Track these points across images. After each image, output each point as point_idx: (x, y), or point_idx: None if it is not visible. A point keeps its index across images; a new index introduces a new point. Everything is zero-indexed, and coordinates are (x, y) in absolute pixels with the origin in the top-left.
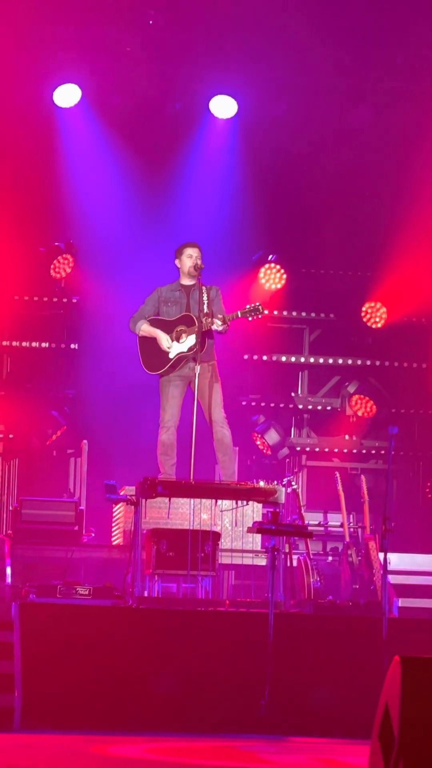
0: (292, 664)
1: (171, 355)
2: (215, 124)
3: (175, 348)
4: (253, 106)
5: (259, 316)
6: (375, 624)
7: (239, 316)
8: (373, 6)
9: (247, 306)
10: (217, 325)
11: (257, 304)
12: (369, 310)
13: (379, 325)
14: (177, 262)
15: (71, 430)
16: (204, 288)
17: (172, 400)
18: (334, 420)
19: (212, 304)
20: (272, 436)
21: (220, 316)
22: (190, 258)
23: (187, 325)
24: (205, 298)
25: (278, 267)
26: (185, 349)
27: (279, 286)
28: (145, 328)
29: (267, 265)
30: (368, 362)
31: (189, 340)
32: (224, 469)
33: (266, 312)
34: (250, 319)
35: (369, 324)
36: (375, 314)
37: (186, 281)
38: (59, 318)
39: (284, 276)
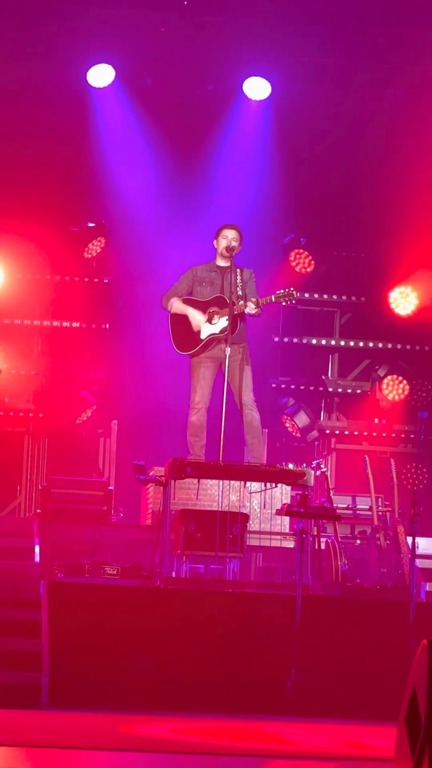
0: (318, 647)
1: (202, 336)
2: (248, 105)
3: (206, 329)
4: (287, 87)
5: (293, 301)
6: (402, 608)
7: (273, 300)
8: None
9: (281, 290)
10: (251, 308)
11: (291, 288)
12: (399, 295)
13: (408, 310)
14: (215, 242)
15: (101, 410)
16: (238, 270)
17: (203, 381)
18: (364, 403)
19: (245, 287)
20: (302, 419)
21: (253, 299)
22: (225, 239)
23: (219, 306)
24: (238, 280)
25: (306, 253)
26: (217, 331)
27: (309, 270)
28: (177, 305)
29: (296, 250)
30: (399, 346)
31: (221, 322)
32: (253, 452)
33: (298, 295)
34: (283, 303)
35: (399, 310)
36: (405, 299)
37: (221, 262)
38: (91, 298)
39: (312, 262)
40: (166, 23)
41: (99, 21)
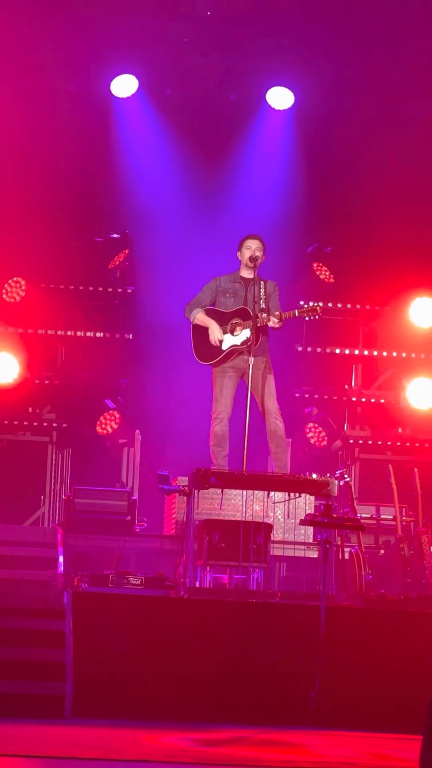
0: (342, 657)
1: (224, 347)
2: (272, 115)
3: (228, 340)
4: (310, 97)
5: (316, 317)
6: (427, 618)
7: (296, 315)
8: None
9: (305, 306)
10: (273, 323)
11: (315, 304)
12: (419, 307)
13: (430, 322)
14: (238, 253)
15: (125, 420)
16: (262, 282)
17: (226, 391)
18: (388, 413)
19: (269, 299)
20: (329, 426)
21: (276, 313)
22: (248, 249)
23: (242, 318)
24: (262, 292)
25: (325, 267)
26: (239, 342)
27: (332, 280)
28: (200, 317)
29: (317, 264)
30: (423, 355)
31: (243, 334)
32: (277, 461)
33: (321, 311)
34: (306, 318)
35: (420, 322)
36: (425, 311)
37: (245, 274)
38: (114, 308)
39: (332, 276)
40: (189, 34)
41: (122, 32)
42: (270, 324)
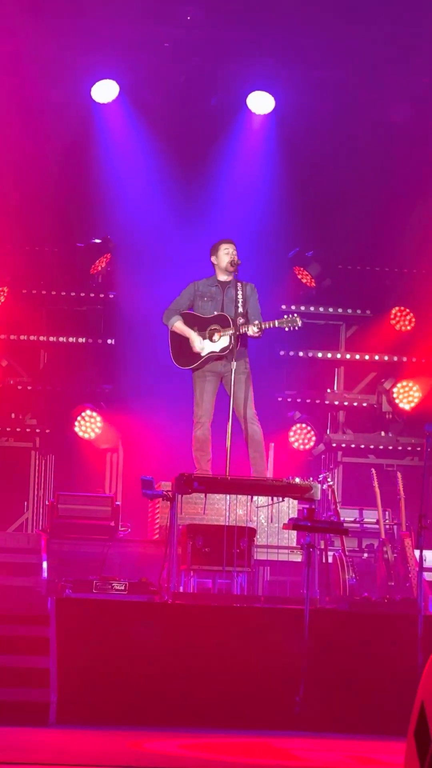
0: (327, 661)
1: (203, 354)
2: (252, 119)
3: (207, 347)
4: (291, 101)
5: (296, 328)
6: (411, 621)
7: (276, 325)
8: (413, 1)
9: (285, 316)
10: (252, 331)
11: (295, 315)
12: (398, 314)
13: (408, 328)
14: (213, 258)
15: (107, 426)
16: (240, 285)
17: (206, 395)
18: (370, 416)
19: (247, 303)
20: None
21: (256, 322)
22: (227, 254)
23: (221, 325)
24: (239, 296)
25: (306, 272)
26: (217, 350)
27: (313, 284)
28: (178, 326)
29: (298, 268)
30: (404, 359)
31: (222, 341)
32: (255, 465)
33: (301, 324)
34: (286, 329)
35: (398, 328)
36: (404, 318)
37: (222, 277)
38: (96, 313)
39: (313, 280)
40: (169, 38)
41: (103, 37)
42: (249, 333)
